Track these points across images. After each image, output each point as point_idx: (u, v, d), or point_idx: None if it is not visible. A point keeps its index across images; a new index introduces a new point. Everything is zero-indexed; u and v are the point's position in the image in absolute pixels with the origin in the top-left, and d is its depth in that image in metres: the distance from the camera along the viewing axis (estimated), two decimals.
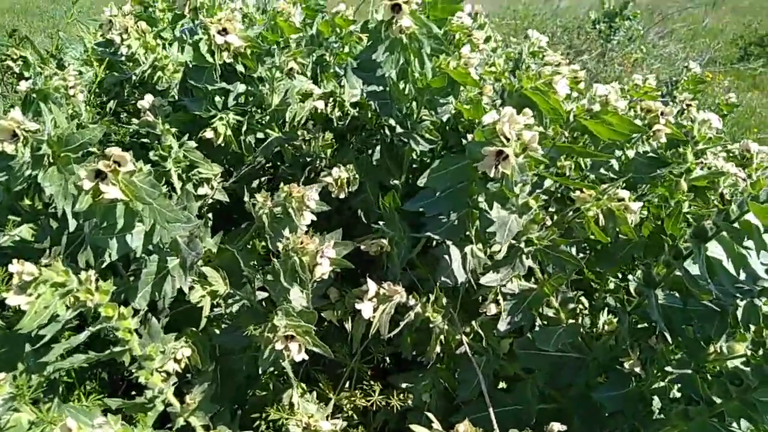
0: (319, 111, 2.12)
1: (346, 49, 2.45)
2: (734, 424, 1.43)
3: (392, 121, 1.91)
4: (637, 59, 7.46)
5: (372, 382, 2.00)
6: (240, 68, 1.91)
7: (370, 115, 2.12)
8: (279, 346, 1.45)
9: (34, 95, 2.07)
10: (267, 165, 2.26)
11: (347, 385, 1.95)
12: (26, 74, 2.76)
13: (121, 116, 2.29)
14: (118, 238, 1.58)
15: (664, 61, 7.79)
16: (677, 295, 1.61)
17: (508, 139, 1.30)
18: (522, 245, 1.58)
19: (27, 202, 2.02)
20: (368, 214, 2.02)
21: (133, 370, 1.63)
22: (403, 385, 1.94)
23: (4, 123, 1.52)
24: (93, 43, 2.58)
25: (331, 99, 2.12)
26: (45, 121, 1.61)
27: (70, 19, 2.89)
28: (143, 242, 1.61)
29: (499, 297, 1.69)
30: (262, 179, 2.28)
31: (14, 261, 1.41)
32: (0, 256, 1.96)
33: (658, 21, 9.79)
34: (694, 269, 1.54)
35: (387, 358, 2.05)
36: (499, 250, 1.64)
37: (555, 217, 1.81)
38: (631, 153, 1.85)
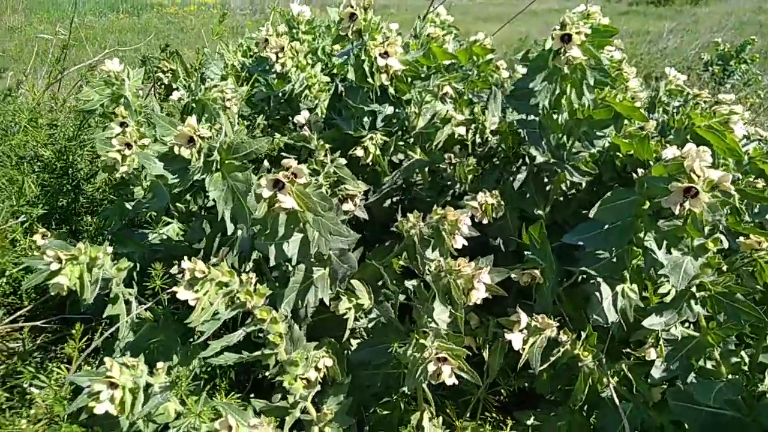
0: (456, 136, 2.12)
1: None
2: None
3: (533, 151, 1.89)
4: (754, 104, 7.04)
5: (497, 415, 1.95)
6: (391, 90, 1.96)
7: (510, 143, 2.10)
8: (432, 367, 1.43)
9: (194, 105, 2.20)
10: (402, 185, 2.28)
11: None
12: (174, 86, 2.98)
13: (267, 130, 2.39)
14: (276, 246, 1.64)
15: None
16: None
17: (698, 176, 1.24)
18: (693, 290, 1.48)
19: (179, 205, 2.15)
20: (505, 242, 1.99)
21: (269, 374, 1.67)
22: (528, 422, 1.88)
23: (184, 129, 1.62)
24: (239, 61, 2.73)
25: (472, 125, 2.13)
26: (221, 128, 1.70)
27: (215, 36, 3.09)
28: (298, 251, 1.65)
29: (661, 342, 1.59)
30: (394, 199, 2.31)
31: (185, 258, 1.48)
32: (152, 252, 2.09)
33: None
34: None
35: (514, 391, 1.99)
36: (668, 293, 1.56)
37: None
38: None
